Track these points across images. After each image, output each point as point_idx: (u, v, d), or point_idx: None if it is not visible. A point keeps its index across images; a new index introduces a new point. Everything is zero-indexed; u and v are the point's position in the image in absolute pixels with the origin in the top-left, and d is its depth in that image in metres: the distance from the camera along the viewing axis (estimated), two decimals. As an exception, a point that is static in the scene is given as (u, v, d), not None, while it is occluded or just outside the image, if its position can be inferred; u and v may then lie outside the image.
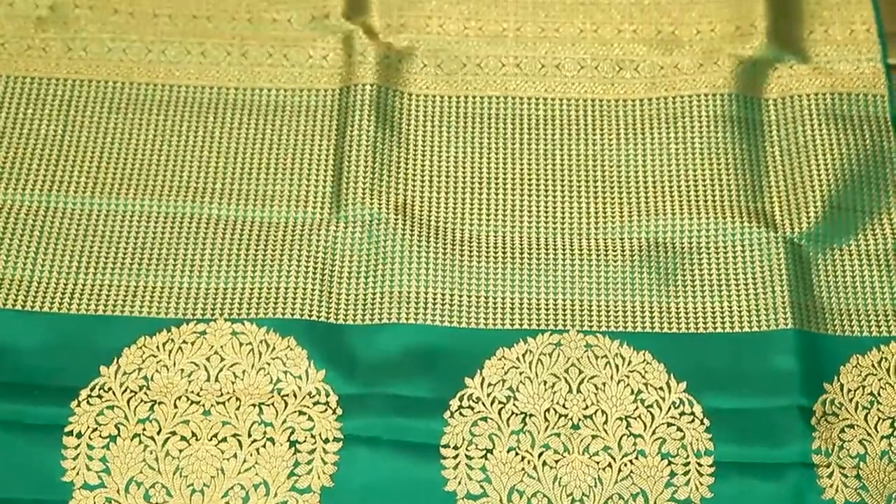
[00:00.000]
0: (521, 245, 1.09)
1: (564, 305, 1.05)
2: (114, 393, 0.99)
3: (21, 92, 1.17)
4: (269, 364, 1.01)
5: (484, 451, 0.97)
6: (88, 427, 0.97)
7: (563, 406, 0.99)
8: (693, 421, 0.98)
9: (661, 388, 1.00)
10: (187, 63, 1.20)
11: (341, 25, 1.22)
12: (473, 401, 0.99)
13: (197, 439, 0.97)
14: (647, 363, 1.02)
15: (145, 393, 0.99)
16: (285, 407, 0.99)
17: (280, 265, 1.07)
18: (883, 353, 1.03)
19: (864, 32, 1.21)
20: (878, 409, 0.99)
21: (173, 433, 0.97)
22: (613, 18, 1.24)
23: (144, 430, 0.97)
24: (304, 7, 1.24)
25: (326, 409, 0.99)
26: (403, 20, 1.24)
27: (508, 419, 0.99)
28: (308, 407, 0.99)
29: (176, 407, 0.99)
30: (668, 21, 1.24)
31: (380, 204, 1.10)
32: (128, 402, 0.99)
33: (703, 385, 1.00)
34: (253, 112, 1.18)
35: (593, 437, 0.98)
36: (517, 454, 0.97)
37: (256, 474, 0.96)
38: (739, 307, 1.05)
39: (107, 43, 1.21)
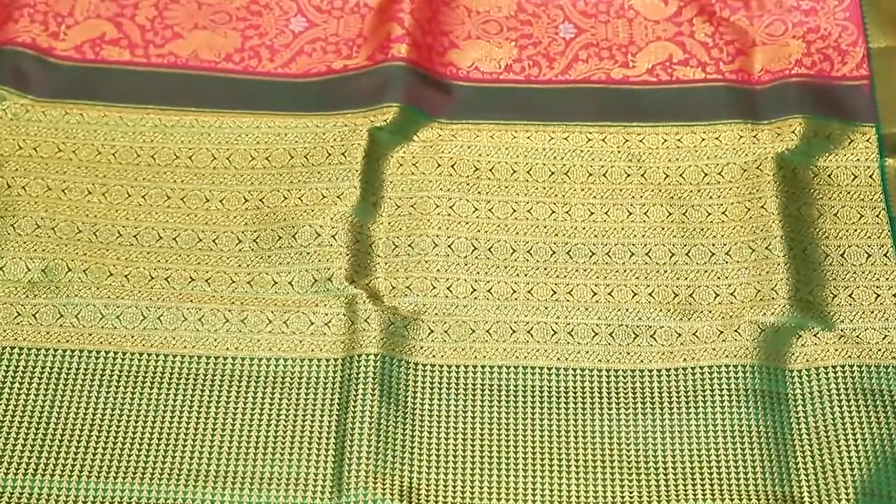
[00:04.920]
0: (535, 534, 1.11)
1: None
2: None
3: (8, 364, 1.21)
4: None
5: None
6: None
7: None
8: None
9: None
10: (183, 330, 1.24)
11: (344, 289, 1.26)
12: None
13: None
14: None
15: None
16: None
17: (277, 558, 1.09)
18: None
19: (890, 297, 1.26)
20: None
21: None
22: (628, 280, 1.29)
23: None
24: (306, 269, 1.29)
25: None
26: (409, 282, 1.28)
27: None
28: None
29: None
30: (685, 284, 1.28)
31: (384, 488, 1.12)
32: None
33: None
34: (251, 384, 1.21)
35: None
36: None
37: None
38: None
39: (100, 309, 1.25)
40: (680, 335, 1.24)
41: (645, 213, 1.33)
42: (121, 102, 1.41)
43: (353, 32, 1.50)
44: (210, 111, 1.41)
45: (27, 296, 1.25)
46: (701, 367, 1.21)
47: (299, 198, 1.34)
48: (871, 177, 1.35)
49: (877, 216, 1.32)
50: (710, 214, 1.33)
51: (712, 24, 1.48)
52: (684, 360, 1.22)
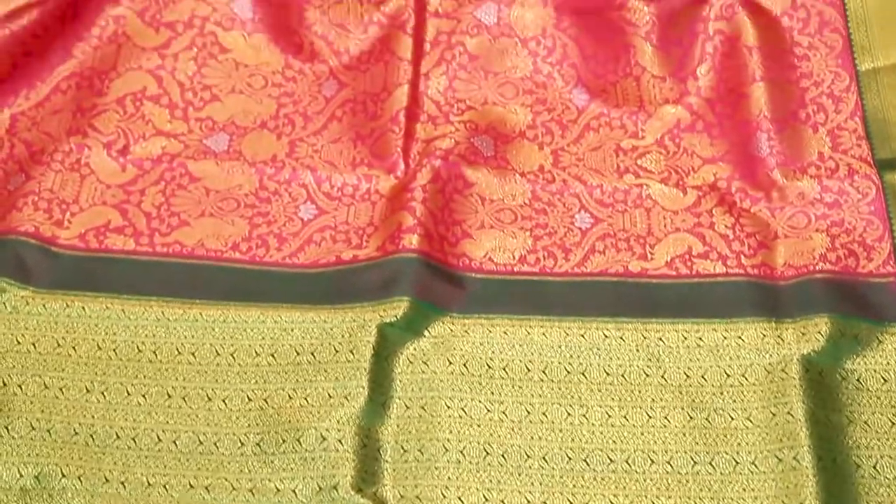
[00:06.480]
0: None
1: None
2: None
3: (-7, 582, 1.18)
4: None
5: None
6: None
7: None
8: None
9: None
10: (180, 543, 1.21)
11: (350, 499, 1.23)
12: None
13: None
14: None
15: None
16: None
17: None
18: None
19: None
20: None
21: None
22: (648, 491, 1.25)
23: None
24: (310, 476, 1.26)
25: None
26: (418, 490, 1.25)
27: None
28: None
29: None
30: (708, 496, 1.24)
31: None
32: None
33: None
34: None
35: None
36: None
37: None
38: None
39: (93, 520, 1.22)
40: (703, 554, 1.21)
41: (665, 418, 1.30)
42: (124, 294, 1.40)
43: (364, 221, 1.49)
44: (215, 304, 1.39)
45: (18, 505, 1.23)
46: (725, 587, 1.18)
47: (305, 398, 1.32)
48: (901, 382, 1.32)
49: (909, 423, 1.29)
50: (733, 419, 1.30)
51: (732, 216, 1.47)
52: (708, 581, 1.19)
